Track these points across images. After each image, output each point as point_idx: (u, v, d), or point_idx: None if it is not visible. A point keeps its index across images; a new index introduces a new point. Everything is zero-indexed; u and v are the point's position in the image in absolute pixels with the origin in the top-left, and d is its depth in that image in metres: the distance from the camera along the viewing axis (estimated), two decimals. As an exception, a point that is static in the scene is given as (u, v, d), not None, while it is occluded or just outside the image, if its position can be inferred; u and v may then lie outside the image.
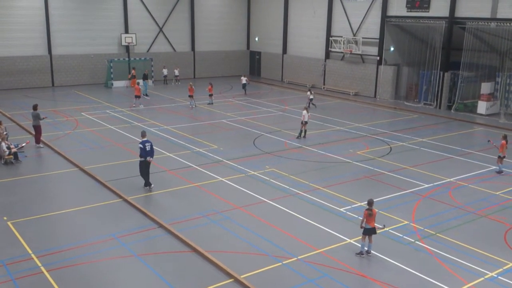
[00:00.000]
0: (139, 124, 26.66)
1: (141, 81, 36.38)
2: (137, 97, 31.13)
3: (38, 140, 22.17)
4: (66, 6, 38.14)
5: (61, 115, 28.50)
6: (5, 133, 20.79)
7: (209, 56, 46.07)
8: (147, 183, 17.07)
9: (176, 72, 41.50)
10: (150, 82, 40.32)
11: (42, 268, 11.76)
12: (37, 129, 22.04)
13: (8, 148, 19.52)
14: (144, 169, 16.95)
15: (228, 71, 47.33)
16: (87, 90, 37.09)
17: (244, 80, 37.56)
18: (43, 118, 22.44)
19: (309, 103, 31.95)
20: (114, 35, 40.56)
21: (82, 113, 29.09)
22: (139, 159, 16.91)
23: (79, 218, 14.81)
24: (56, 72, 38.70)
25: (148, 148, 16.76)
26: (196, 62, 45.27)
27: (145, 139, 16.90)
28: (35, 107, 22.06)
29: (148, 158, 16.78)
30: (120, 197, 16.25)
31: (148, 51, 42.50)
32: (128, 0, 40.59)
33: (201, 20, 44.86)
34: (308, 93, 32.67)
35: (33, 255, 12.37)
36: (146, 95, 35.33)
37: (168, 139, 23.77)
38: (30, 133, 23.88)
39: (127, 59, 40.81)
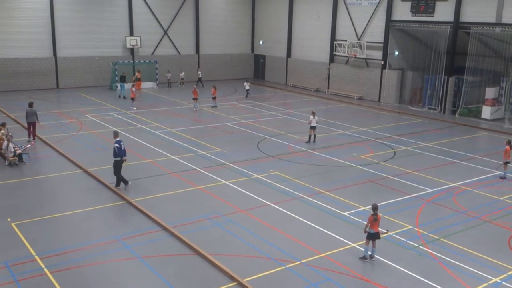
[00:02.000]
0: (143, 126, 26.72)
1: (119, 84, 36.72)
2: (133, 99, 31.20)
3: (33, 135, 23.30)
4: (71, 9, 38.32)
5: (65, 117, 28.59)
6: (10, 134, 20.87)
7: (213, 59, 46.14)
8: (125, 181, 17.26)
9: (181, 75, 41.72)
10: (152, 84, 40.54)
11: (46, 270, 11.77)
12: (33, 125, 23.12)
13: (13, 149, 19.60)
14: (119, 168, 17.16)
15: (233, 74, 47.39)
16: (91, 92, 37.18)
17: (200, 74, 41.90)
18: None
19: (246, 94, 37.28)
20: (119, 37, 40.69)
21: (87, 115, 29.17)
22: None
23: (83, 220, 14.84)
24: (61, 74, 38.84)
25: (122, 147, 17.00)
26: (200, 65, 45.33)
27: (118, 138, 17.09)
28: (31, 105, 23.34)
29: (123, 157, 17.02)
30: (124, 199, 16.27)
31: (152, 53, 42.61)
32: (133, 3, 40.74)
33: (206, 23, 44.97)
34: (245, 83, 37.77)
35: (36, 257, 12.39)
36: (124, 97, 35.53)
37: (172, 141, 23.80)
38: (36, 134, 24.01)
39: (131, 61, 40.93)
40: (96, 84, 40.34)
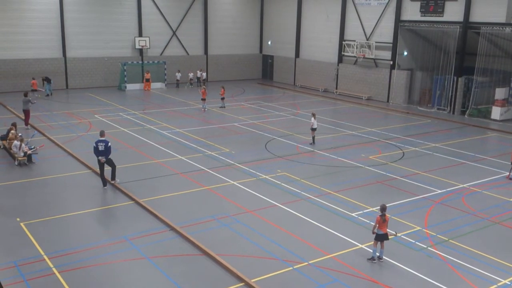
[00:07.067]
0: (151, 126, 26.80)
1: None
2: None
3: (26, 123, 25.53)
4: (81, 10, 38.53)
5: (74, 117, 28.74)
6: (20, 134, 21.03)
7: (222, 59, 46.20)
8: (104, 182, 17.42)
9: (192, 75, 41.86)
10: (160, 84, 40.66)
11: (54, 270, 11.84)
12: (27, 113, 25.57)
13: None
14: (100, 168, 17.31)
15: (241, 75, 47.44)
16: (100, 93, 37.37)
17: (178, 76, 41.69)
18: (34, 102, 26.96)
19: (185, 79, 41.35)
20: (128, 38, 40.86)
21: (96, 116, 29.31)
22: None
23: (91, 220, 14.92)
24: (70, 75, 39.06)
25: (101, 148, 16.99)
26: (209, 66, 45.42)
27: (102, 138, 17.17)
28: (26, 94, 25.97)
29: (99, 158, 17.04)
30: (132, 199, 16.33)
31: (161, 54, 42.75)
32: (142, 4, 40.90)
33: (214, 24, 45.03)
34: (177, 73, 41.28)
35: (45, 256, 12.47)
36: (50, 94, 35.76)
37: (180, 142, 23.85)
38: (44, 135, 24.21)
39: (140, 62, 41.09)
40: (105, 84, 40.52)
